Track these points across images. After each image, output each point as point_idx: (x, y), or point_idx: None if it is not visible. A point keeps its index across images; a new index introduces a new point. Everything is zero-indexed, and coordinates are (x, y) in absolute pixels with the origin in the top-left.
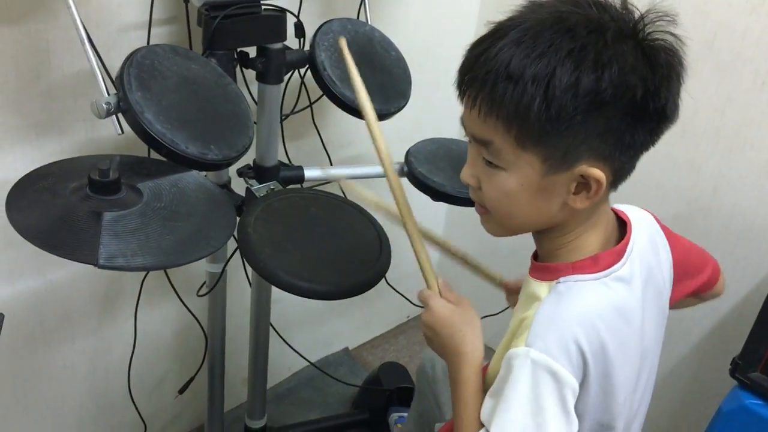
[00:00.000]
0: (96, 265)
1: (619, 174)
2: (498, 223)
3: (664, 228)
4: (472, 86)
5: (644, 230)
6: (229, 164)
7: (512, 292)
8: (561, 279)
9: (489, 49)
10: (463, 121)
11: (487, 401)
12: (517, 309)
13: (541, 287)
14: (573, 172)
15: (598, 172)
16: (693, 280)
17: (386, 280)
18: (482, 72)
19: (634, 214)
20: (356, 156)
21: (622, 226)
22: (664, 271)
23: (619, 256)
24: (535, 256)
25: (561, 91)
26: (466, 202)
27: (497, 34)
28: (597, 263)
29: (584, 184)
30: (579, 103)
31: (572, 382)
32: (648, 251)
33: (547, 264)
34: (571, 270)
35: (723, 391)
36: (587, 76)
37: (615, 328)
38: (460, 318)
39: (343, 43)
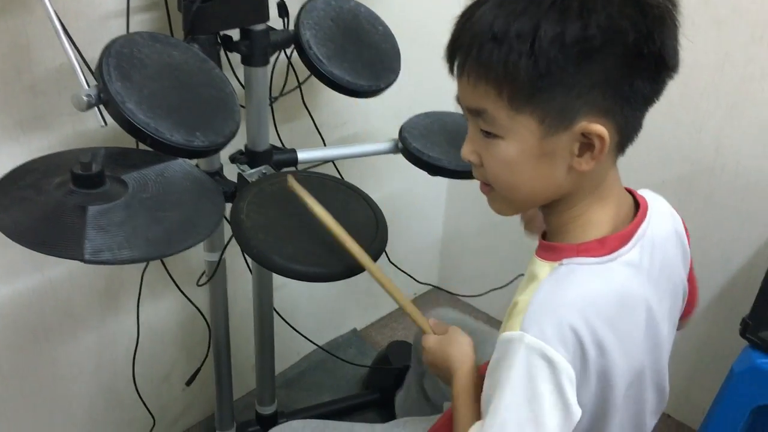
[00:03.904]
0: (82, 260)
1: (624, 132)
2: (504, 200)
3: (687, 234)
4: (459, 54)
5: (668, 218)
6: (217, 151)
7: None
8: (564, 261)
9: (473, 15)
10: (458, 97)
11: (486, 381)
12: (517, 289)
13: (542, 267)
14: (573, 131)
15: (599, 128)
16: (694, 292)
17: (389, 259)
18: (467, 38)
19: (657, 201)
20: (351, 136)
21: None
22: (682, 267)
23: (626, 239)
24: (545, 235)
25: (547, 43)
26: (464, 175)
27: (481, 0)
28: (603, 246)
29: (587, 144)
30: (567, 54)
31: (568, 369)
32: (669, 240)
33: (553, 243)
34: (575, 252)
35: (734, 352)
36: (573, 24)
37: (616, 314)
38: (447, 343)
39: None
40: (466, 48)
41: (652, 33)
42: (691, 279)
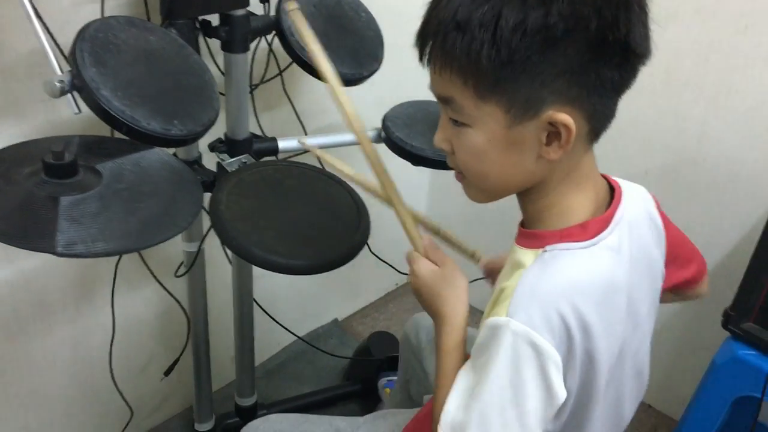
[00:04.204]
0: (54, 253)
1: (594, 120)
2: (476, 187)
3: (660, 211)
4: (426, 42)
5: (639, 201)
6: (195, 139)
7: (490, 271)
8: (547, 247)
9: (440, 2)
10: (430, 85)
11: (465, 369)
12: (501, 276)
13: (526, 255)
14: (540, 120)
15: (565, 117)
16: (680, 271)
17: (371, 250)
18: (434, 26)
19: (628, 185)
20: (332, 124)
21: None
22: (656, 247)
23: (606, 222)
24: (523, 224)
25: (509, 32)
26: (447, 165)
27: None
28: (585, 231)
29: (555, 133)
30: (530, 43)
31: (554, 356)
32: (642, 222)
33: (534, 231)
34: (558, 238)
35: (716, 343)
36: (534, 12)
37: (601, 299)
38: (442, 280)
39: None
40: (432, 36)
41: (617, 19)
42: (683, 242)
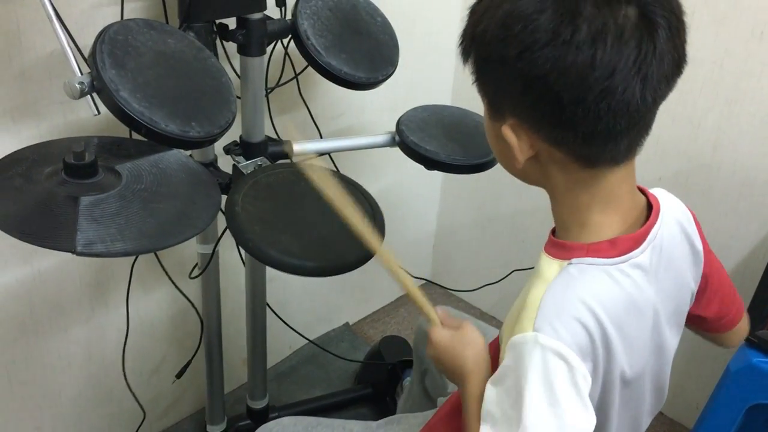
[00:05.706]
0: (74, 252)
1: (566, 147)
2: None
3: (702, 237)
4: None
5: (674, 217)
6: (212, 141)
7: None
8: (573, 260)
9: None
10: None
11: (490, 389)
12: (524, 285)
13: (551, 265)
14: (504, 125)
15: (509, 134)
16: (711, 305)
17: None
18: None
19: (667, 198)
20: (347, 128)
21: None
22: (689, 267)
23: (638, 241)
24: (554, 231)
25: (463, 33)
26: (460, 169)
27: None
28: (614, 247)
29: None
30: (480, 51)
31: (583, 368)
32: (677, 239)
33: (562, 241)
34: (585, 252)
35: (730, 351)
36: (478, 22)
37: (623, 318)
38: (459, 342)
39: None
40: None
41: (527, 53)
42: (719, 277)
